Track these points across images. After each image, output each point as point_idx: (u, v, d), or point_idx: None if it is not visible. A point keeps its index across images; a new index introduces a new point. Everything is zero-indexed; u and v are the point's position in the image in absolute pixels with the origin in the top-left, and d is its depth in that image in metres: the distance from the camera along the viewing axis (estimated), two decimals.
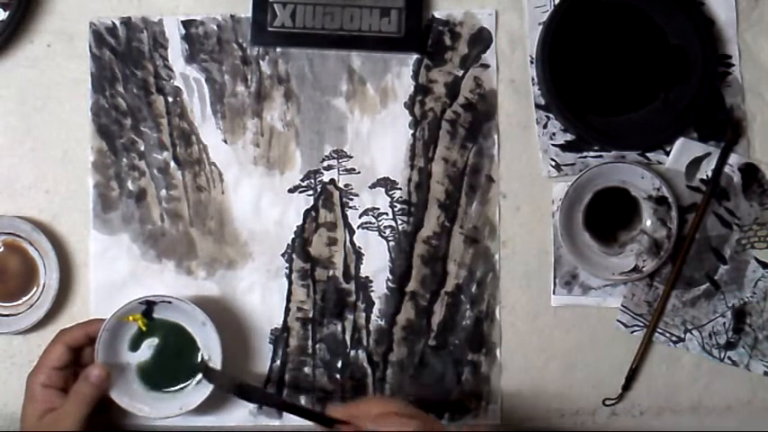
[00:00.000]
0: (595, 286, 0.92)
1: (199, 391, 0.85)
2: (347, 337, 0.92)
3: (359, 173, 0.92)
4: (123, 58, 0.91)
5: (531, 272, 0.92)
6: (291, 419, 0.91)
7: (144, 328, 0.86)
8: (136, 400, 0.85)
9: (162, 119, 0.91)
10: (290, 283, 0.92)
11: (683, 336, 0.92)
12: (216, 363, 0.85)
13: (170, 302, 0.84)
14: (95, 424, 0.85)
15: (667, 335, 0.92)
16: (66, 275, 0.90)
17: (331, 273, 0.92)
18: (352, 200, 0.92)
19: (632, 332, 0.92)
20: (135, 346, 0.86)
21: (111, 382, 0.83)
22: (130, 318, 0.85)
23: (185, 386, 0.86)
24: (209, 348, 0.85)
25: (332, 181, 0.92)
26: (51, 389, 0.82)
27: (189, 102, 0.91)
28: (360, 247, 0.92)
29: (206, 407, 0.88)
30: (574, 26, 0.90)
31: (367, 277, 0.92)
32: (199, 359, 0.86)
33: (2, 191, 0.91)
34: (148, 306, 0.85)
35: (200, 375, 0.86)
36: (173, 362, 0.86)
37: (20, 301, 0.90)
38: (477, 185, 0.92)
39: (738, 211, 0.92)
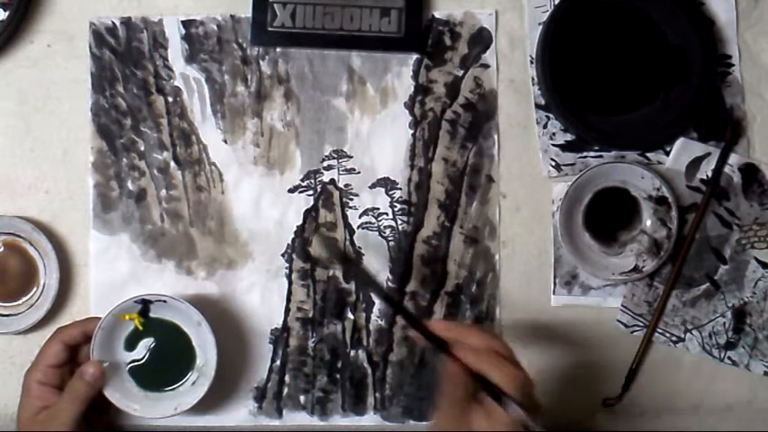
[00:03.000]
0: (595, 286, 0.92)
1: (194, 391, 0.85)
2: (347, 337, 0.92)
3: (359, 173, 0.92)
4: (123, 58, 0.91)
5: (531, 272, 0.92)
6: (291, 419, 0.91)
7: (140, 327, 0.85)
8: (131, 400, 0.84)
9: (162, 119, 0.91)
10: (290, 283, 0.92)
11: (683, 336, 0.92)
12: (211, 363, 0.85)
13: (165, 302, 0.84)
14: (95, 424, 0.85)
15: (667, 335, 0.92)
16: (66, 275, 0.90)
17: (331, 273, 0.92)
18: (352, 200, 0.92)
19: (632, 332, 0.92)
20: (131, 345, 0.86)
21: (107, 381, 0.83)
22: (127, 316, 0.85)
23: (181, 386, 0.86)
24: (205, 348, 0.85)
25: (332, 181, 0.92)
26: (47, 386, 0.82)
27: (189, 102, 0.91)
28: (360, 247, 0.92)
29: (206, 407, 0.88)
30: (574, 26, 0.90)
31: None
32: (195, 359, 0.86)
33: (2, 191, 0.91)
34: (144, 305, 0.85)
35: (195, 375, 0.86)
36: (168, 362, 0.86)
37: (20, 301, 0.90)
38: (477, 185, 0.92)
39: (738, 211, 0.92)
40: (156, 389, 0.86)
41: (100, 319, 0.83)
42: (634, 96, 0.92)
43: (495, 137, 0.92)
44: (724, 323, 0.93)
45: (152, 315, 0.86)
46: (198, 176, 0.91)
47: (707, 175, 0.92)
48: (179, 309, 0.85)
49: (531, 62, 0.92)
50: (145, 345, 0.86)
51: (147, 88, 0.91)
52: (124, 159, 0.91)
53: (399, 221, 0.92)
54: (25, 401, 0.82)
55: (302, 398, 0.92)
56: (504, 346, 0.74)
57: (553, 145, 0.92)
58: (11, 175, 0.91)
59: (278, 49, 0.92)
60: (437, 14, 0.92)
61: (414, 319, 0.77)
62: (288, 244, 0.91)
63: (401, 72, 0.92)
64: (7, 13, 0.89)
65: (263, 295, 0.91)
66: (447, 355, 0.73)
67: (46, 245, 0.88)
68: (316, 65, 0.92)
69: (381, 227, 0.92)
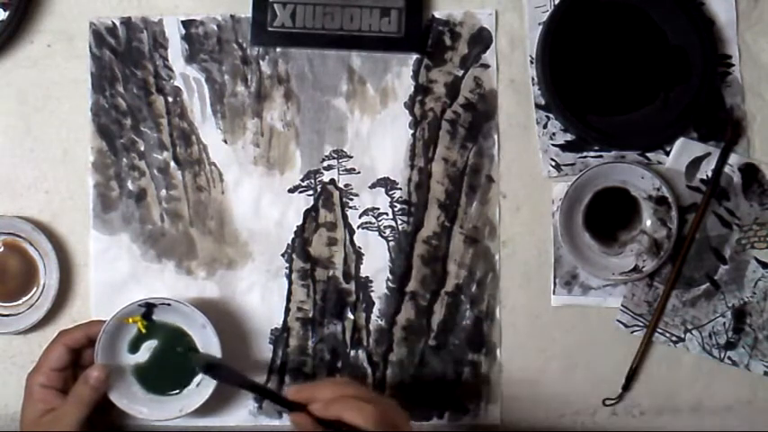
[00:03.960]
0: (595, 286, 0.92)
1: (199, 393, 0.85)
2: (347, 337, 0.92)
3: (359, 173, 0.92)
4: (123, 58, 0.91)
5: (531, 272, 0.92)
6: None
7: (144, 331, 0.85)
8: (135, 402, 0.84)
9: (162, 119, 0.91)
10: (290, 283, 0.92)
11: (683, 336, 0.93)
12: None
13: (169, 305, 0.84)
14: (97, 425, 0.85)
15: (667, 335, 0.92)
16: (66, 275, 0.90)
17: (331, 273, 0.92)
18: (352, 200, 0.92)
19: (632, 332, 0.92)
20: (134, 348, 0.86)
21: (111, 384, 0.83)
22: (130, 320, 0.85)
23: (185, 388, 0.86)
24: (209, 351, 0.85)
25: (332, 181, 0.92)
26: (50, 389, 0.82)
27: (189, 102, 0.91)
28: (360, 247, 0.92)
29: (206, 407, 0.88)
30: (574, 26, 0.90)
31: (367, 277, 0.92)
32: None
33: (2, 191, 0.91)
34: (148, 308, 0.85)
35: (200, 377, 0.86)
36: (172, 364, 0.86)
37: (20, 301, 0.90)
38: (477, 185, 0.92)
39: (738, 211, 0.92)
40: (160, 391, 0.86)
41: (103, 322, 0.83)
42: (634, 96, 0.92)
43: (495, 137, 0.92)
44: (724, 323, 0.93)
45: (155, 318, 0.86)
46: (198, 176, 0.91)
47: (707, 175, 0.92)
48: (183, 312, 0.85)
49: (531, 62, 0.92)
50: (148, 347, 0.86)
51: (147, 88, 0.91)
52: (124, 159, 0.91)
53: (399, 221, 0.92)
54: (28, 404, 0.82)
55: None
56: (356, 389, 0.75)
57: (553, 145, 0.92)
58: (11, 175, 0.91)
59: (278, 49, 0.92)
60: (437, 14, 0.92)
61: (271, 393, 0.84)
62: (288, 244, 0.91)
63: (401, 72, 0.92)
64: (7, 13, 0.89)
65: (263, 295, 0.91)
66: (292, 415, 0.75)
67: (46, 245, 0.88)
68: (316, 65, 0.92)
69: (381, 227, 0.92)
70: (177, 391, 0.86)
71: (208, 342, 0.85)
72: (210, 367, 0.82)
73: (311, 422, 0.74)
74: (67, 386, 0.82)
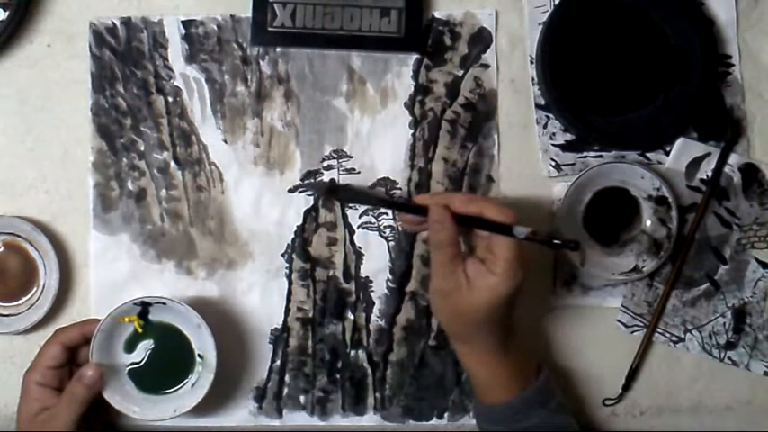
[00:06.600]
0: (595, 286, 0.92)
1: (193, 393, 0.85)
2: (347, 337, 0.92)
3: (359, 173, 0.92)
4: (123, 58, 0.91)
5: (531, 272, 0.92)
6: (291, 419, 0.91)
7: (140, 330, 0.85)
8: (130, 402, 0.84)
9: (162, 119, 0.91)
10: (290, 283, 0.92)
11: (683, 336, 0.93)
12: (210, 366, 0.84)
13: (165, 304, 0.84)
14: (94, 424, 0.85)
15: (667, 335, 0.92)
16: (66, 275, 0.90)
17: (331, 273, 0.92)
18: None
19: (632, 332, 0.92)
20: (130, 347, 0.86)
21: (106, 383, 0.83)
22: (126, 319, 0.85)
23: (180, 388, 0.86)
24: (205, 350, 0.85)
25: (332, 181, 0.92)
26: (46, 388, 0.82)
27: (189, 102, 0.91)
28: (360, 247, 0.92)
29: (206, 407, 0.88)
30: (574, 26, 0.90)
31: (367, 277, 0.92)
32: (195, 361, 0.86)
33: (2, 191, 0.91)
34: (144, 307, 0.85)
35: (195, 378, 0.86)
36: (168, 364, 0.86)
37: (20, 301, 0.90)
38: (477, 185, 0.92)
39: (738, 211, 0.92)
40: (155, 391, 0.86)
41: (99, 320, 0.83)
42: (634, 96, 0.92)
43: (495, 137, 0.92)
44: (724, 323, 0.93)
45: (151, 317, 0.86)
46: (198, 176, 0.91)
47: (707, 175, 0.92)
48: (178, 311, 0.85)
49: (531, 62, 0.92)
50: (144, 347, 0.86)
51: (147, 88, 0.91)
52: (124, 159, 0.91)
53: (399, 221, 0.92)
54: (24, 402, 0.82)
55: (302, 398, 0.92)
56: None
57: (553, 145, 0.92)
58: (11, 175, 0.91)
59: (278, 49, 0.92)
60: (437, 14, 0.92)
61: (403, 204, 0.86)
62: (288, 244, 0.91)
63: (401, 72, 0.92)
64: (7, 13, 0.89)
65: (263, 295, 0.91)
66: (433, 210, 0.78)
67: (46, 245, 0.88)
68: (316, 65, 0.92)
69: (381, 227, 0.92)
70: (172, 391, 0.86)
71: (203, 342, 0.85)
72: (332, 190, 0.87)
73: (450, 217, 0.77)
74: (63, 384, 0.83)
